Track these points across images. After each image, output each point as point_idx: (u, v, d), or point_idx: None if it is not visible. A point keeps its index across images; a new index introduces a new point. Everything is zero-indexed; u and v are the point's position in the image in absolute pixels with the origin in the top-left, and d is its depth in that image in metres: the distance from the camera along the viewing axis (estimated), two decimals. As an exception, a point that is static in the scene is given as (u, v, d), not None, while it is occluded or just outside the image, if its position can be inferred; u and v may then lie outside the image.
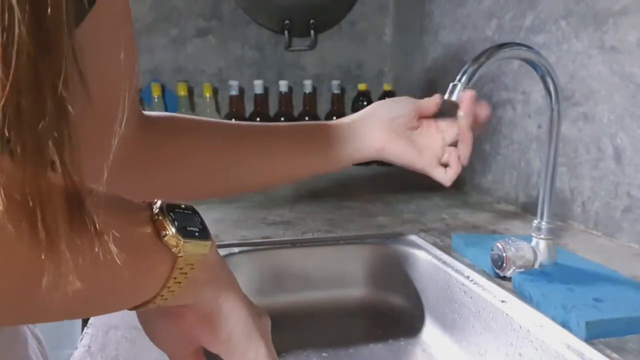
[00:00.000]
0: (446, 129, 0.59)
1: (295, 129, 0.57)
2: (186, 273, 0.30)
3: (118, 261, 0.25)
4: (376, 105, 0.60)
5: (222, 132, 0.52)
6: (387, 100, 0.61)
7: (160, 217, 0.29)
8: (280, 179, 0.57)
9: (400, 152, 0.57)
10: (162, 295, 0.30)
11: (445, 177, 0.59)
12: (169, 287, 0.30)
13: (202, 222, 0.32)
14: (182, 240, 0.29)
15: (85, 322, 0.56)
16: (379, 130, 0.57)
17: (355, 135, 0.57)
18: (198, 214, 0.32)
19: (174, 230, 0.29)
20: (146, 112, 0.47)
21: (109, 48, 0.33)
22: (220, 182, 0.52)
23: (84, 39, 0.24)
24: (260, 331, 0.35)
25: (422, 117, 0.59)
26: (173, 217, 0.30)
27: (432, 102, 0.59)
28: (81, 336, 0.53)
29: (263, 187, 0.57)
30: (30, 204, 0.21)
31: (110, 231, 0.25)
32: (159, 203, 0.30)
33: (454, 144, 0.59)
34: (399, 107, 0.59)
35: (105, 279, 0.26)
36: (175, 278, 0.30)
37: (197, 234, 0.30)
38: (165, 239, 0.29)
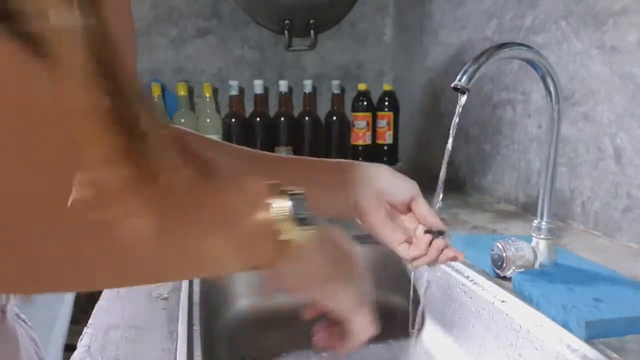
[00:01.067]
0: (426, 218, 0.55)
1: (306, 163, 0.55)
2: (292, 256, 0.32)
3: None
4: (384, 173, 0.55)
5: (235, 152, 0.53)
6: (396, 174, 0.56)
7: (277, 203, 0.32)
8: None
9: (377, 224, 0.54)
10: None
11: (408, 254, 0.54)
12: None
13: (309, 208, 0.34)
14: (295, 226, 0.31)
15: (77, 321, 0.56)
16: (373, 198, 0.53)
17: (346, 196, 0.53)
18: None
19: (289, 216, 0.31)
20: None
21: None
22: None
23: None
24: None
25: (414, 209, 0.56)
26: (290, 203, 0.32)
27: (427, 213, 0.55)
28: (81, 336, 0.53)
29: None
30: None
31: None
32: (278, 187, 0.33)
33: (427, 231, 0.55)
34: (401, 190, 0.55)
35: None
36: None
37: (306, 220, 0.32)
38: (280, 226, 0.31)
